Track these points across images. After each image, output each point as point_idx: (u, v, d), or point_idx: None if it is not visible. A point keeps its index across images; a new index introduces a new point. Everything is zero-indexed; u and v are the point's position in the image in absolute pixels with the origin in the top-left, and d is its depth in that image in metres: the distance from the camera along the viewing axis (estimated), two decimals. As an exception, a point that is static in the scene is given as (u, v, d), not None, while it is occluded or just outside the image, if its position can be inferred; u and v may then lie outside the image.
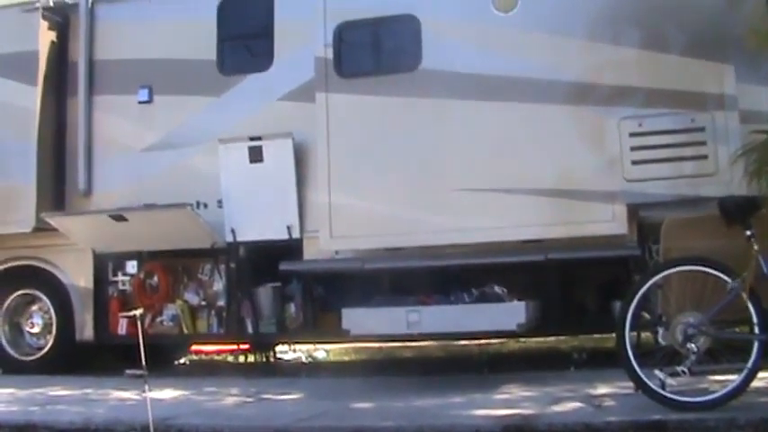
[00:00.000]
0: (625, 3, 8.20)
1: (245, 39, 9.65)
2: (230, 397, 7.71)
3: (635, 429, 5.58)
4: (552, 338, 11.02)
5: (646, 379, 5.97)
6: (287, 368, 10.92)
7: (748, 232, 5.95)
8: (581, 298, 8.69)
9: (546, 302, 8.34)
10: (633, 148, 8.06)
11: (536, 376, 7.99)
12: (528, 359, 10.24)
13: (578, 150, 8.16)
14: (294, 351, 12.06)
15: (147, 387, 5.72)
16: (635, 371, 6.01)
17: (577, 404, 6.46)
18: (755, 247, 5.90)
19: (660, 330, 6.24)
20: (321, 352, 12.17)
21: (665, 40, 8.10)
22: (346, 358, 11.92)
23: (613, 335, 9.48)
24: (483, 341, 11.29)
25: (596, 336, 10.47)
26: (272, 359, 11.54)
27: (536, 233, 8.26)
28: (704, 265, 6.00)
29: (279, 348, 11.73)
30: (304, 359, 11.86)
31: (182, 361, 11.72)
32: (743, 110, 7.90)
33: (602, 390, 6.95)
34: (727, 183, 7.65)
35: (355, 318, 8.15)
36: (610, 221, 8.06)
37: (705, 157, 7.93)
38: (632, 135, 8.06)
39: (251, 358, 11.45)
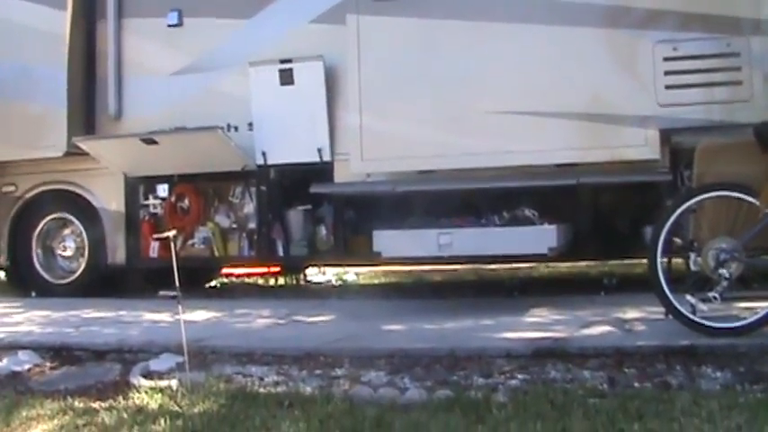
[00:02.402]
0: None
1: (277, -42, 9.54)
2: (261, 319, 7.78)
3: (665, 354, 5.57)
4: (581, 264, 11.04)
5: (677, 304, 5.97)
6: (317, 291, 11.01)
7: (785, 158, 5.90)
8: (612, 223, 8.64)
9: (577, 227, 8.34)
10: (667, 73, 7.94)
11: (565, 300, 8.02)
12: (557, 284, 10.30)
13: (612, 74, 8.05)
14: (324, 274, 12.15)
15: (180, 308, 5.76)
16: (666, 296, 6.01)
17: (608, 328, 6.47)
18: (792, 174, 5.86)
19: (692, 256, 6.22)
20: (351, 275, 12.26)
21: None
22: (376, 281, 11.99)
23: (643, 261, 9.67)
24: (513, 265, 11.35)
25: (626, 261, 10.48)
26: (302, 282, 11.65)
27: (568, 157, 8.18)
28: (738, 191, 5.96)
29: (309, 271, 11.83)
30: (334, 282, 11.95)
31: (212, 284, 11.82)
32: (779, 35, 7.81)
33: (632, 315, 6.95)
34: (762, 109, 7.57)
35: (386, 240, 8.18)
36: (642, 146, 7.98)
37: (740, 82, 7.81)
38: (666, 59, 7.94)
39: (281, 281, 11.57)
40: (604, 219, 8.62)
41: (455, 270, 11.90)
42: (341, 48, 8.74)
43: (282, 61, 9.05)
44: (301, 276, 11.71)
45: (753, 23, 7.81)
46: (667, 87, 7.95)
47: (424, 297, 9.49)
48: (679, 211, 6.10)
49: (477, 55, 8.39)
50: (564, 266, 11.59)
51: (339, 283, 11.96)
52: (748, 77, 7.79)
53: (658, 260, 6.05)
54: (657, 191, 8.22)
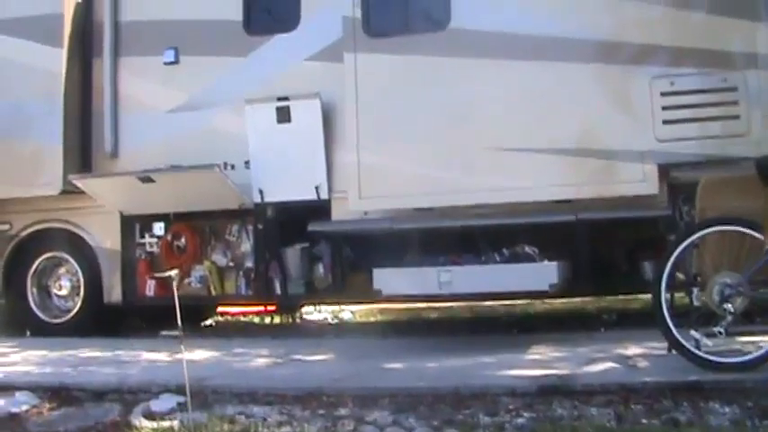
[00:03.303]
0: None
1: (271, -3, 9.57)
2: (261, 358, 7.70)
3: (671, 390, 5.55)
4: (578, 300, 11.00)
5: (682, 339, 5.94)
6: (314, 329, 10.95)
7: (787, 192, 5.90)
8: (610, 259, 8.63)
9: (576, 263, 8.30)
10: (664, 108, 7.99)
11: (565, 337, 7.98)
12: (555, 321, 10.24)
13: (609, 110, 8.10)
14: (320, 312, 12.09)
15: (183, 347, 5.70)
16: (671, 331, 5.99)
17: (611, 364, 6.44)
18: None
19: (695, 291, 6.22)
20: (347, 313, 12.20)
21: (697, 0, 7.99)
22: (372, 319, 11.93)
23: (641, 296, 9.70)
24: (509, 302, 11.31)
25: (622, 297, 10.48)
26: (298, 320, 11.59)
27: (567, 193, 8.20)
28: (742, 225, 5.95)
29: (305, 309, 11.77)
30: (330, 320, 11.89)
31: (208, 322, 11.75)
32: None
33: (634, 350, 6.93)
34: (760, 143, 7.61)
35: (386, 278, 8.15)
36: (641, 181, 8.00)
37: (737, 117, 7.85)
38: (663, 94, 7.99)
39: (277, 319, 11.50)
40: (604, 254, 8.59)
41: (450, 307, 11.85)
42: (338, 85, 8.77)
43: (279, 99, 9.03)
44: (297, 314, 11.64)
45: (749, 58, 7.87)
46: (665, 122, 7.99)
47: (422, 335, 9.44)
48: (683, 246, 6.08)
49: (473, 92, 8.44)
50: (560, 302, 11.52)
51: (335, 321, 11.90)
52: (745, 112, 7.84)
53: (662, 295, 6.03)
54: (656, 226, 8.21)
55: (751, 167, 6.44)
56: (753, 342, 6.06)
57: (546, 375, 6.08)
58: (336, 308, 12.10)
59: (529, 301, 11.31)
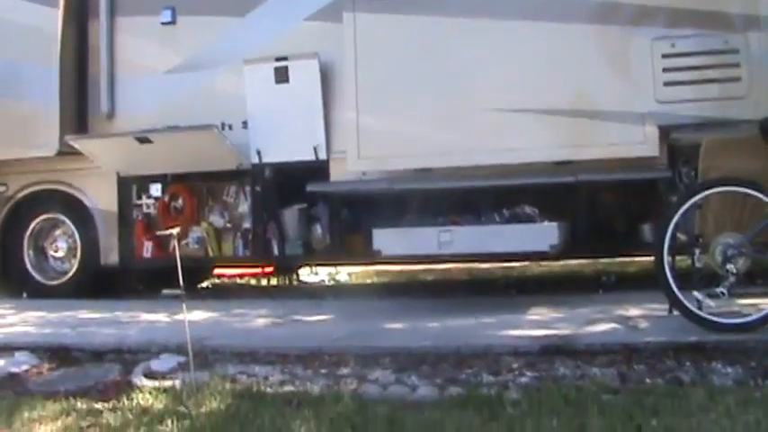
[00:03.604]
0: None
1: (270, -44, 9.47)
2: (260, 318, 7.70)
3: (673, 350, 5.54)
4: (575, 262, 11.01)
5: (684, 300, 5.93)
6: (311, 291, 10.93)
7: (790, 152, 5.87)
8: (611, 220, 8.60)
9: (575, 224, 8.28)
10: (665, 70, 7.94)
11: (565, 299, 7.97)
12: (553, 283, 10.25)
13: (609, 71, 8.04)
14: (317, 274, 12.08)
15: (184, 306, 5.67)
16: (673, 291, 5.97)
17: (612, 325, 6.43)
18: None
19: (697, 252, 6.21)
20: (343, 275, 12.18)
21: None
22: (369, 281, 11.92)
23: (640, 258, 9.69)
24: (507, 265, 11.31)
25: (619, 260, 10.48)
26: (295, 282, 11.57)
27: (567, 154, 8.16)
28: (744, 186, 5.93)
29: (302, 272, 11.75)
30: (327, 282, 11.88)
31: (204, 284, 11.73)
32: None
33: (635, 312, 6.92)
34: (760, 105, 7.55)
35: (386, 238, 8.13)
36: (641, 143, 7.96)
37: (738, 79, 7.81)
38: (665, 56, 7.94)
39: (274, 281, 11.48)
40: (604, 216, 8.58)
41: (448, 269, 11.84)
42: (337, 45, 8.69)
43: (278, 59, 8.97)
44: (294, 276, 11.63)
45: (751, 20, 7.81)
46: (666, 84, 7.94)
47: (420, 296, 9.44)
48: (685, 206, 6.05)
49: (474, 52, 8.36)
50: (557, 265, 11.54)
51: (332, 283, 11.89)
52: (746, 74, 7.79)
53: (665, 256, 6.00)
54: (656, 188, 8.20)
55: (753, 129, 6.42)
56: (753, 304, 6.03)
57: (547, 336, 6.08)
58: (333, 270, 12.08)
59: (526, 263, 11.32)
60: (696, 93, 7.87)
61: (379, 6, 8.54)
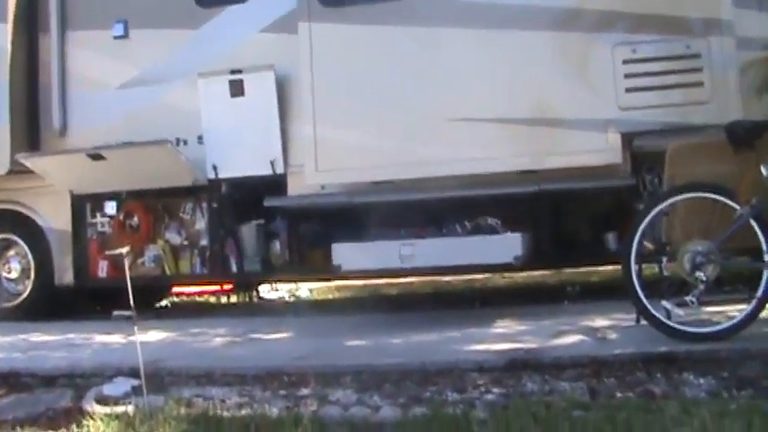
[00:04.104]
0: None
1: (223, -33, 9.30)
2: (218, 338, 7.50)
3: (644, 361, 5.40)
4: (538, 273, 10.89)
5: (653, 310, 5.80)
6: (271, 307, 10.74)
7: (756, 157, 5.75)
8: (574, 230, 8.48)
9: (539, 235, 8.15)
10: (627, 76, 7.84)
11: (529, 311, 7.85)
12: (517, 294, 10.11)
13: (571, 78, 7.92)
14: (277, 290, 11.89)
15: (135, 328, 5.46)
16: (641, 301, 5.84)
17: (579, 337, 6.29)
18: (764, 172, 5.72)
19: (664, 260, 6.10)
20: (304, 290, 12.00)
21: (659, -37, 7.86)
22: (330, 296, 11.75)
23: (604, 268, 9.58)
24: (470, 277, 11.18)
25: (583, 270, 10.37)
26: (255, 299, 11.37)
27: (529, 164, 8.03)
28: (712, 192, 5.81)
29: (262, 288, 11.56)
30: (287, 298, 11.69)
31: (163, 303, 11.50)
32: (739, 36, 7.70)
33: (602, 322, 6.79)
34: (723, 110, 7.49)
35: (346, 253, 7.96)
36: (604, 151, 7.85)
37: (701, 84, 7.72)
38: (626, 62, 7.84)
39: (233, 299, 11.29)
40: (568, 225, 8.45)
41: (410, 283, 11.69)
42: (293, 57, 8.51)
43: (232, 72, 8.80)
44: (254, 293, 11.43)
45: (712, 24, 7.72)
46: (627, 90, 7.84)
47: (383, 311, 9.24)
48: (652, 213, 5.94)
49: (432, 62, 8.22)
50: (520, 276, 11.43)
51: (293, 299, 11.69)
52: (709, 79, 7.70)
53: (632, 265, 5.87)
54: (620, 196, 8.09)
55: (717, 134, 6.31)
56: (722, 311, 5.93)
57: (513, 349, 5.92)
58: (293, 286, 11.89)
59: (489, 274, 11.19)
60: (659, 98, 7.77)
61: (335, 16, 8.38)
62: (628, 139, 7.90)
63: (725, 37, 7.69)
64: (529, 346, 6.04)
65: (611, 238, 8.28)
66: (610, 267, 9.29)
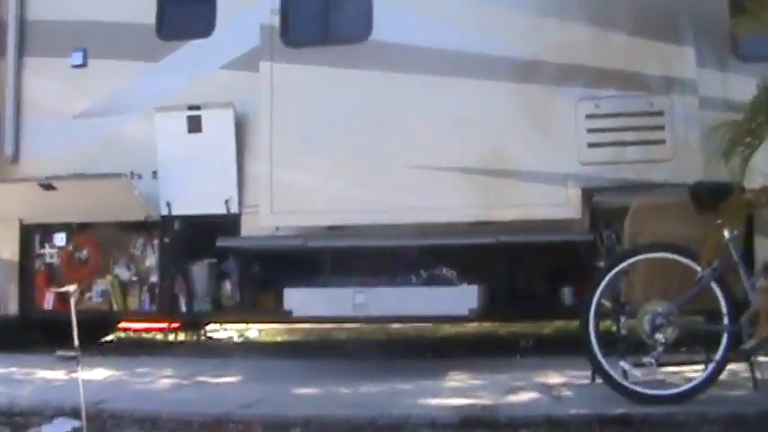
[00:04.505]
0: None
1: (186, 2, 9.22)
2: (164, 379, 7.32)
3: (600, 423, 5.32)
4: (486, 324, 10.78)
5: (610, 369, 5.72)
6: (219, 348, 10.54)
7: (719, 219, 5.71)
8: (530, 283, 8.41)
9: (495, 287, 8.06)
10: (589, 131, 7.84)
11: (483, 363, 7.71)
12: (468, 344, 9.98)
13: (533, 131, 7.91)
14: (225, 330, 11.68)
15: (79, 368, 5.28)
16: (599, 360, 5.77)
17: (534, 394, 6.20)
18: (726, 235, 5.67)
19: (623, 319, 6.03)
20: (253, 331, 11.81)
21: (625, 21, 7.87)
22: (279, 339, 11.55)
23: (559, 322, 9.51)
24: (419, 324, 11.04)
25: (534, 323, 10.27)
26: (202, 338, 11.17)
27: (486, 215, 7.97)
28: (674, 252, 5.76)
29: (210, 327, 11.35)
30: (235, 338, 11.49)
31: (109, 339, 11.25)
32: (702, 95, 7.75)
33: (556, 379, 6.71)
34: (685, 169, 7.49)
35: (298, 298, 7.83)
36: (563, 205, 7.83)
37: (662, 141, 7.74)
38: (589, 117, 7.84)
39: (181, 337, 11.07)
40: (524, 279, 8.39)
41: (360, 327, 11.52)
42: (253, 96, 8.42)
43: (191, 107, 8.69)
44: (202, 332, 11.22)
45: (675, 82, 7.77)
46: (590, 145, 7.83)
47: (332, 357, 9.07)
48: (614, 272, 5.87)
49: (392, 107, 8.18)
50: (471, 326, 11.30)
51: (241, 339, 11.49)
52: (671, 137, 7.72)
53: (591, 323, 5.80)
54: (577, 251, 8.03)
55: (681, 193, 6.27)
56: (679, 372, 5.87)
57: (468, 405, 5.80)
58: (242, 326, 11.69)
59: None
60: (620, 155, 7.78)
61: (298, 57, 8.31)
62: (588, 194, 7.85)
63: (688, 96, 7.73)
64: (483, 402, 5.92)
65: (566, 293, 8.23)
66: (565, 321, 9.21)
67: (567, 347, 7.69)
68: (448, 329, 11.40)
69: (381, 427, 5.47)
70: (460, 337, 10.93)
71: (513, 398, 6.10)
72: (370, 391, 6.50)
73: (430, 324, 10.99)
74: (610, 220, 7.77)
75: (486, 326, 10.93)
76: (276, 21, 8.36)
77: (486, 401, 5.94)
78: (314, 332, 11.62)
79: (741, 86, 7.68)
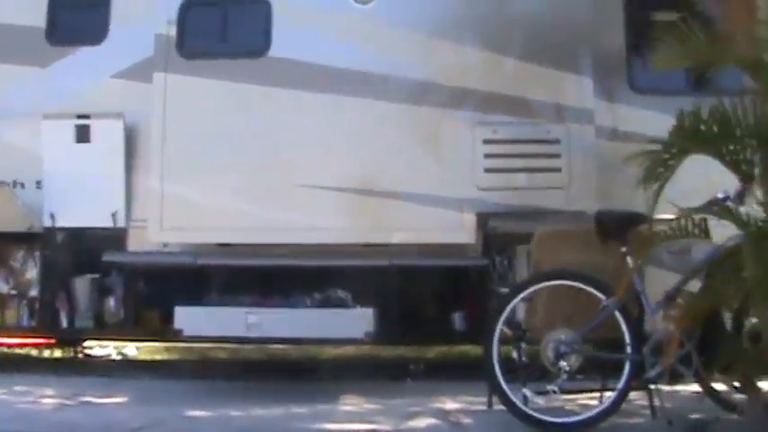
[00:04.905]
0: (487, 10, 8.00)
1: (78, 7, 8.86)
2: (46, 398, 6.99)
3: (505, 451, 5.26)
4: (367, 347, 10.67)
5: (513, 397, 5.67)
6: (98, 365, 10.16)
7: (624, 248, 5.73)
8: (422, 307, 8.37)
9: (389, 310, 7.97)
10: (486, 156, 7.86)
11: (374, 387, 7.63)
12: (354, 368, 9.85)
13: (430, 154, 7.89)
14: (102, 348, 11.31)
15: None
16: (501, 386, 5.72)
17: (432, 420, 6.17)
18: (630, 265, 5.69)
19: (523, 346, 6.00)
20: (131, 349, 11.45)
21: (524, 50, 7.93)
22: (158, 357, 11.22)
23: (450, 347, 9.46)
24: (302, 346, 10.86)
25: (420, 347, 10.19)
26: (80, 355, 10.78)
27: (379, 237, 7.92)
28: (578, 280, 5.75)
29: (87, 344, 10.97)
30: (114, 356, 11.13)
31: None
32: (598, 125, 7.89)
33: (452, 405, 6.70)
34: (580, 196, 7.56)
35: (190, 317, 7.65)
36: (458, 230, 7.84)
37: (558, 169, 7.81)
38: (486, 142, 7.86)
39: (58, 353, 10.67)
40: (417, 303, 8.33)
41: (240, 348, 11.28)
42: (145, 107, 8.18)
43: (79, 116, 8.38)
44: (79, 349, 10.83)
45: (573, 111, 7.89)
46: (486, 170, 7.85)
47: (216, 377, 8.83)
48: (518, 298, 5.85)
49: (285, 125, 8.06)
50: (351, 349, 11.17)
51: (119, 357, 11.14)
52: (567, 165, 7.81)
53: (494, 350, 5.74)
54: (469, 276, 8.03)
55: (581, 220, 6.32)
56: (575, 399, 5.90)
57: (366, 431, 5.67)
58: (120, 343, 11.33)
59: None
60: (517, 181, 7.83)
61: (193, 69, 8.11)
62: (483, 219, 7.85)
63: (584, 125, 7.83)
64: (382, 428, 5.83)
65: (457, 318, 8.19)
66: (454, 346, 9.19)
67: (456, 372, 7.71)
68: (331, 351, 11.24)
69: (281, 452, 5.31)
70: (345, 359, 10.79)
71: (412, 423, 6.03)
72: (263, 415, 6.34)
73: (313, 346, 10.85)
74: (503, 246, 7.78)
75: (368, 348, 10.81)
76: (172, 31, 8.16)
77: (386, 427, 5.86)
78: (193, 351, 11.33)
79: (635, 118, 7.88)
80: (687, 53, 5.02)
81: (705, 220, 5.14)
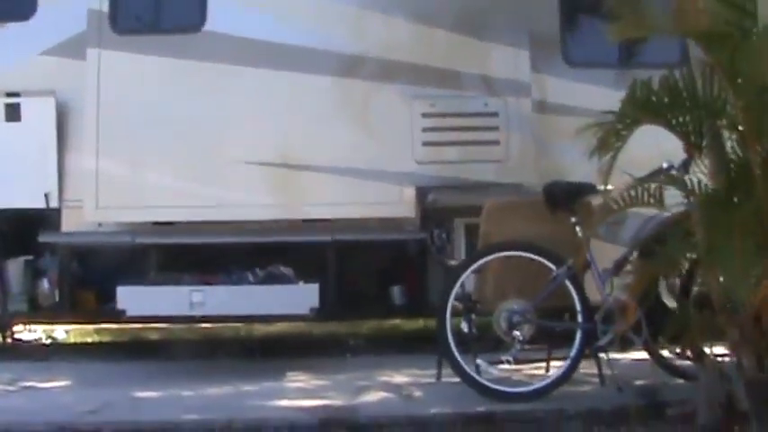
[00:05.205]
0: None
1: (5, -19, 8.65)
2: (-17, 385, 6.83)
3: (463, 422, 5.31)
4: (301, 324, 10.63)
5: (467, 368, 5.72)
6: (30, 350, 9.96)
7: (573, 219, 5.80)
8: (364, 282, 8.34)
9: (330, 285, 7.94)
10: (425, 129, 7.84)
11: (317, 363, 7.60)
12: (291, 344, 9.81)
13: (368, 128, 7.86)
14: (31, 331, 11.09)
15: None
16: (456, 358, 5.78)
17: (384, 394, 6.18)
18: (580, 234, 5.76)
19: (472, 317, 6.04)
20: (60, 332, 11.25)
21: (461, 22, 7.92)
22: (89, 339, 11.05)
23: (389, 321, 9.47)
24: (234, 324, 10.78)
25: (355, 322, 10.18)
26: (8, 339, 10.56)
27: (320, 213, 7.90)
28: (528, 251, 5.81)
29: (16, 328, 10.75)
30: (44, 340, 10.93)
31: None
32: (535, 98, 7.93)
33: (400, 378, 6.73)
34: (518, 169, 7.60)
35: (133, 297, 7.48)
36: (397, 203, 7.84)
37: (497, 142, 7.83)
38: (424, 116, 7.86)
39: (-16, 338, 10.44)
40: (359, 277, 8.30)
41: (170, 328, 11.15)
42: (77, 84, 7.98)
43: (9, 94, 8.17)
44: (8, 333, 10.61)
45: (510, 84, 7.88)
46: (424, 144, 7.84)
47: (156, 358, 8.72)
48: (469, 270, 5.89)
49: (221, 100, 7.94)
50: (287, 324, 11.11)
51: (49, 341, 10.94)
52: (505, 138, 7.82)
53: (447, 322, 5.79)
54: (408, 250, 8.04)
55: (520, 193, 6.38)
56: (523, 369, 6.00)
57: (322, 407, 5.67)
58: (50, 327, 11.12)
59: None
60: (455, 154, 7.84)
61: (127, 45, 7.95)
62: (422, 193, 7.85)
63: (522, 98, 7.86)
64: (336, 403, 5.83)
65: (396, 292, 8.20)
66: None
67: (394, 346, 7.72)
68: (263, 328, 11.18)
69: (238, 430, 5.27)
70: (280, 335, 10.74)
71: (364, 398, 6.05)
72: (216, 394, 6.29)
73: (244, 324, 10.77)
74: (441, 219, 7.80)
75: (302, 325, 10.77)
76: (105, 6, 7.97)
77: (339, 402, 5.87)
78: (124, 332, 11.18)
79: (569, 91, 7.94)
80: (642, 25, 5.06)
81: (661, 189, 5.18)
